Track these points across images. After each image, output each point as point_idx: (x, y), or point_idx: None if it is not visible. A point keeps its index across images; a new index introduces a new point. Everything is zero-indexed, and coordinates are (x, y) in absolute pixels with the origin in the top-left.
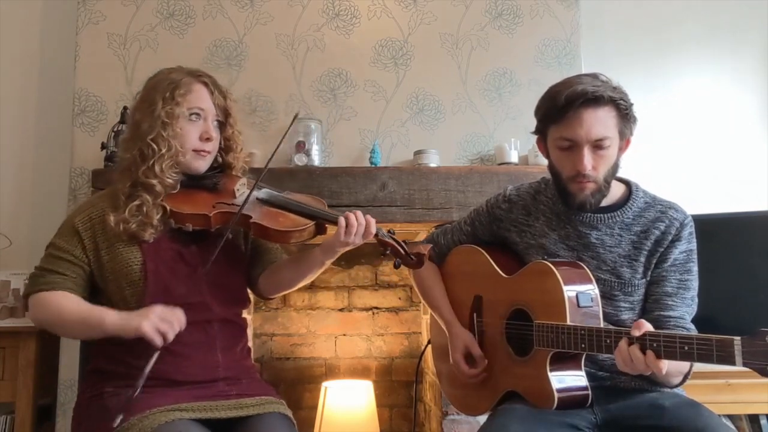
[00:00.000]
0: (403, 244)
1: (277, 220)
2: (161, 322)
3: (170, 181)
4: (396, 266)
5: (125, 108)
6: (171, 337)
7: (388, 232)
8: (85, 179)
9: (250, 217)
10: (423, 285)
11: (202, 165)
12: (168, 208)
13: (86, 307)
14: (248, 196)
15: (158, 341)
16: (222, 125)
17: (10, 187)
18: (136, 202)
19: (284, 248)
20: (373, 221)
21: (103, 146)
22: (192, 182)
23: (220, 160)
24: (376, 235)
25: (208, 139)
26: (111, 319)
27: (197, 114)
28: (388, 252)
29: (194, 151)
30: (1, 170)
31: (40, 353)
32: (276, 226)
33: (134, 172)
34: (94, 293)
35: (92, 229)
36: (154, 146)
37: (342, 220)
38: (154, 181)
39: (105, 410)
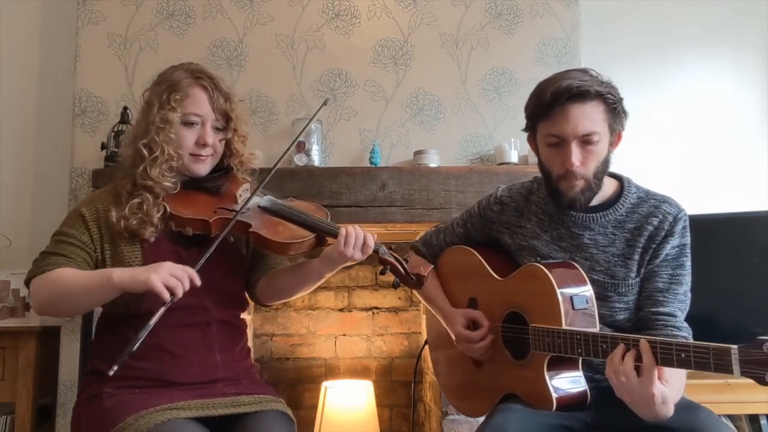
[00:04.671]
0: (403, 262)
1: (276, 231)
2: (170, 276)
3: (167, 183)
4: (395, 286)
5: (125, 108)
6: (180, 293)
7: (389, 249)
8: (85, 179)
9: (250, 226)
10: None
11: (202, 169)
12: (168, 210)
13: (89, 272)
14: (246, 202)
15: (166, 296)
16: (223, 130)
17: (10, 187)
18: (137, 200)
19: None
20: (371, 236)
21: (103, 146)
22: (194, 183)
23: (225, 162)
24: (377, 251)
25: (204, 145)
26: (118, 273)
27: (194, 120)
28: (387, 270)
29: (191, 155)
30: (1, 170)
31: (40, 353)
32: (275, 237)
33: (132, 172)
34: None
35: (98, 221)
36: (146, 151)
37: (342, 230)
38: (151, 183)
39: (104, 411)
